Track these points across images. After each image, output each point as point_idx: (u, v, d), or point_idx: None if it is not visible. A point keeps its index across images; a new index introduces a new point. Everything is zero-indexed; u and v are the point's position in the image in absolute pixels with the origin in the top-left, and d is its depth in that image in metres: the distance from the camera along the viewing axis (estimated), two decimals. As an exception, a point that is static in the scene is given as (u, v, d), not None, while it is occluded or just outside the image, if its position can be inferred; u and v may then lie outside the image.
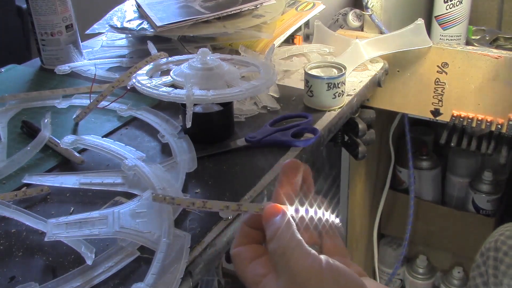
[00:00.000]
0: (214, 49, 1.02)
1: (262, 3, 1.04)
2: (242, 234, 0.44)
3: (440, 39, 1.17)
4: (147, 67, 0.82)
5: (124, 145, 0.72)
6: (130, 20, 1.05)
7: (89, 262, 0.53)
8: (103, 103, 0.84)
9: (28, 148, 0.72)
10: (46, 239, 0.54)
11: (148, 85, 0.75)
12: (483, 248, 1.02)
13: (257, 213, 0.43)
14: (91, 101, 0.82)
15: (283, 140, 0.75)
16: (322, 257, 0.38)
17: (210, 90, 0.73)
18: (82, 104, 0.87)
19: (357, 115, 0.98)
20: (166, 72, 0.83)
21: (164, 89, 0.73)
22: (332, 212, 0.43)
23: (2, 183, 0.69)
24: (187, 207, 0.43)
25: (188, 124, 0.71)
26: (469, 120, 1.03)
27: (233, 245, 0.44)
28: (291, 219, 0.40)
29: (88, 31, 1.09)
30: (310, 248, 0.38)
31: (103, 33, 1.12)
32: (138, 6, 1.10)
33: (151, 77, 0.80)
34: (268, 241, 0.40)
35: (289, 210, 0.42)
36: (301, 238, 0.39)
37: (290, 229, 0.40)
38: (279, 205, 0.42)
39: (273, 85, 0.87)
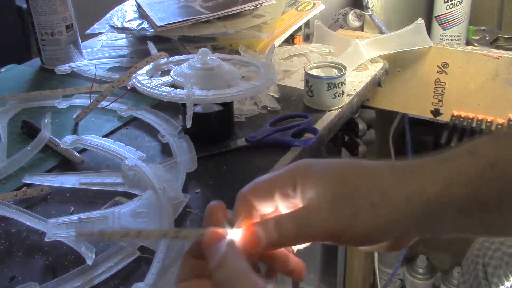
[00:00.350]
0: (214, 49, 1.02)
1: (262, 3, 1.04)
2: (185, 266, 0.40)
3: (440, 39, 1.17)
4: (147, 67, 0.82)
5: (124, 145, 0.72)
6: (130, 20, 1.05)
7: (89, 262, 0.53)
8: (103, 103, 0.84)
9: (28, 148, 0.72)
10: (46, 239, 0.54)
11: (148, 85, 0.75)
12: (473, 255, 1.05)
13: (200, 239, 0.38)
14: (91, 101, 0.82)
15: (283, 140, 0.75)
16: (269, 286, 0.36)
17: (210, 90, 0.73)
18: (82, 104, 0.87)
19: (357, 115, 0.98)
20: (166, 72, 0.83)
21: (164, 89, 0.73)
22: None
23: (2, 183, 0.69)
24: (120, 238, 0.39)
25: (188, 124, 0.71)
26: (469, 120, 1.03)
27: (176, 279, 0.40)
28: (235, 244, 0.38)
29: (88, 31, 1.09)
30: (257, 277, 0.36)
31: (103, 33, 1.12)
32: (138, 6, 1.10)
33: (151, 77, 0.80)
34: (212, 271, 0.37)
35: (231, 234, 0.39)
36: (247, 265, 0.36)
37: (235, 256, 0.37)
38: (220, 229, 0.39)
39: (273, 85, 0.87)
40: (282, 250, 0.42)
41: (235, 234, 0.40)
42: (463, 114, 1.04)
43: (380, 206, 0.39)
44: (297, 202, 0.42)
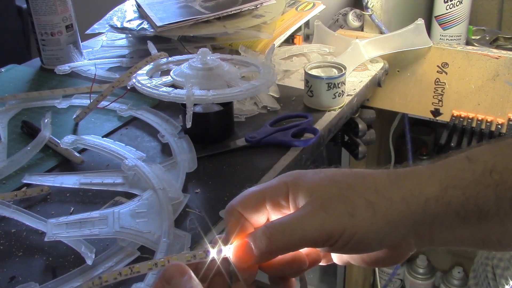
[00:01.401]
0: (214, 49, 1.02)
1: (262, 3, 1.04)
2: None
3: (440, 39, 1.17)
4: (147, 67, 0.82)
5: (124, 145, 0.72)
6: (130, 20, 1.05)
7: (89, 262, 0.53)
8: (103, 103, 0.84)
9: (28, 148, 0.72)
10: (46, 239, 0.54)
11: (148, 85, 0.75)
12: (482, 258, 1.06)
13: (189, 262, 0.38)
14: (91, 101, 0.82)
15: (283, 140, 0.75)
16: None
17: (210, 90, 0.73)
18: (82, 104, 0.87)
19: (357, 115, 0.98)
20: (166, 72, 0.83)
21: (164, 89, 0.73)
22: None
23: (2, 183, 0.69)
24: (114, 280, 0.39)
25: (188, 124, 0.71)
26: (469, 120, 1.03)
27: None
28: (192, 280, 0.36)
29: (88, 31, 1.09)
30: None
31: (103, 33, 1.12)
32: (138, 6, 1.10)
33: (151, 77, 0.80)
34: None
35: (225, 250, 0.39)
36: None
37: None
38: (184, 265, 0.37)
39: (273, 85, 0.87)
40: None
41: (228, 250, 0.39)
42: (463, 114, 1.04)
43: (377, 205, 0.38)
44: (290, 212, 0.41)
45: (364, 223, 0.38)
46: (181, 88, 0.74)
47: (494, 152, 0.39)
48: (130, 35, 1.08)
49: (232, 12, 1.01)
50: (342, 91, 0.85)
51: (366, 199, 0.38)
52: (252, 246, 0.38)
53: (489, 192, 0.37)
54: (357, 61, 0.98)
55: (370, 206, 0.38)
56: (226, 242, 0.40)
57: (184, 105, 0.72)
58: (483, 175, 0.38)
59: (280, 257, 0.40)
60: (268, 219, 0.42)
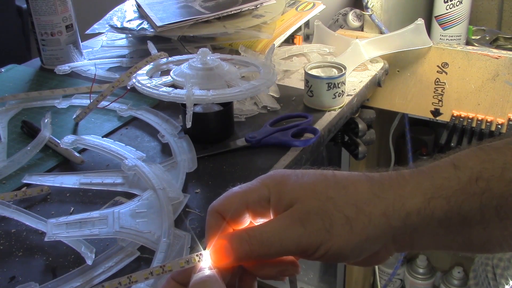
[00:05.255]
0: (214, 49, 1.02)
1: (262, 3, 1.04)
2: None
3: (440, 39, 1.17)
4: (147, 67, 0.82)
5: (124, 145, 0.72)
6: (130, 20, 1.05)
7: (89, 262, 0.53)
8: (103, 103, 0.84)
9: (28, 148, 0.72)
10: (46, 239, 0.54)
11: (148, 85, 0.75)
12: (482, 258, 1.06)
13: (183, 268, 0.39)
14: (91, 101, 0.82)
15: (283, 140, 0.75)
16: None
17: (210, 90, 0.73)
18: (82, 104, 0.87)
19: (357, 115, 0.98)
20: (166, 72, 0.83)
21: (164, 89, 0.73)
22: None
23: (2, 183, 0.69)
24: None
25: (188, 124, 0.71)
26: (469, 120, 1.03)
27: None
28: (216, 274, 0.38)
29: (88, 31, 1.10)
30: None
31: (103, 33, 1.12)
32: (138, 6, 1.10)
33: (151, 77, 0.80)
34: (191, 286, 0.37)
35: (204, 254, 0.40)
36: None
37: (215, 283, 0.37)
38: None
39: (273, 85, 0.87)
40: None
41: (207, 252, 0.39)
42: (463, 114, 1.04)
43: (355, 221, 0.38)
44: (270, 215, 0.41)
45: (340, 239, 0.38)
46: (181, 88, 0.74)
47: (482, 157, 0.38)
48: (130, 35, 1.08)
49: (232, 12, 1.01)
50: (342, 91, 0.85)
51: (345, 215, 0.38)
52: (231, 248, 0.39)
53: (474, 200, 0.37)
54: (357, 61, 0.98)
55: (348, 223, 0.38)
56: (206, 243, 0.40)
57: (184, 105, 0.72)
58: (469, 183, 0.37)
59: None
60: (249, 221, 0.42)
